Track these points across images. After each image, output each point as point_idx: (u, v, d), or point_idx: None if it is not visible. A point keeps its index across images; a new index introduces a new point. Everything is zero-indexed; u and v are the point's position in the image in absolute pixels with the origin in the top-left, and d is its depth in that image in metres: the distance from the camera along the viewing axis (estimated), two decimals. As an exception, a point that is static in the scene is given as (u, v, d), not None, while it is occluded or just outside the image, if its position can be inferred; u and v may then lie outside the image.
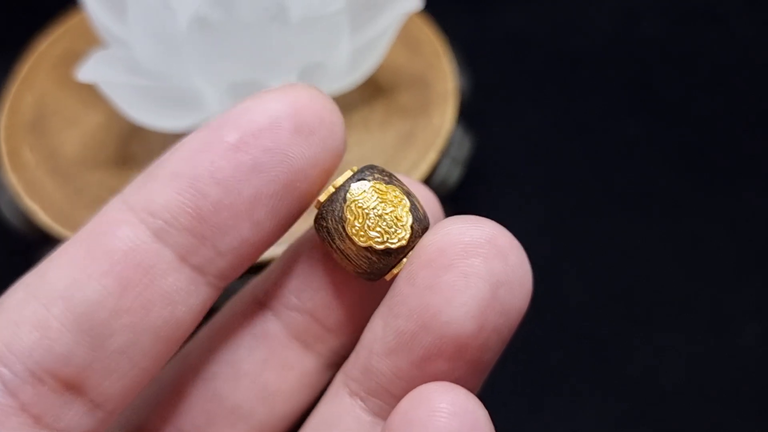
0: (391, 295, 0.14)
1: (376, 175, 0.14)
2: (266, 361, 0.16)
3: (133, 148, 0.24)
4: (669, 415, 0.26)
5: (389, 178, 0.14)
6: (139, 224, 0.13)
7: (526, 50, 0.37)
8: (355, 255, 0.14)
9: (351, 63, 0.23)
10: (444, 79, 0.25)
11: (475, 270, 0.13)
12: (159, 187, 0.13)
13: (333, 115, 0.14)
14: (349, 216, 0.14)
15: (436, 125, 0.24)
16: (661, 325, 0.28)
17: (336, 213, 0.14)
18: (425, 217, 0.14)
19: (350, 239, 0.14)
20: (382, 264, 0.14)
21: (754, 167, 0.33)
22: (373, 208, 0.14)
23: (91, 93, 0.25)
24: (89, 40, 0.27)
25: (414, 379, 0.14)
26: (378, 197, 0.14)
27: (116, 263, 0.13)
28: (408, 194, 0.14)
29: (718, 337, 0.28)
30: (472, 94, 0.28)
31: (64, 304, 0.13)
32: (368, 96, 0.25)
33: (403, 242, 0.14)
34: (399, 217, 0.14)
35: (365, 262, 0.14)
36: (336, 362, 0.16)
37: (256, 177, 0.13)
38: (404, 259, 0.14)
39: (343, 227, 0.14)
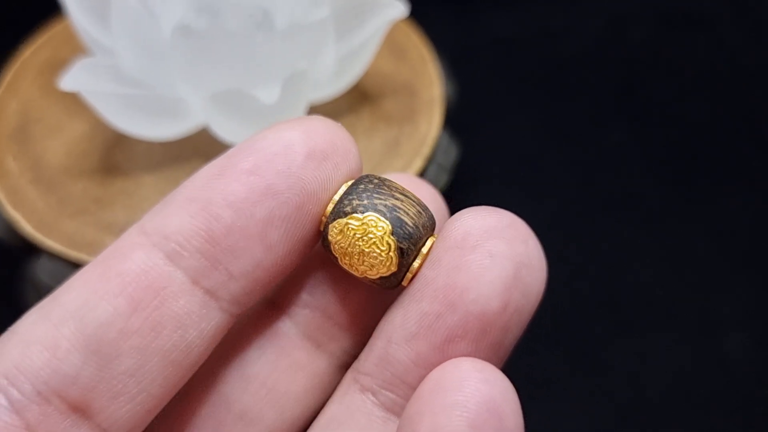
0: (411, 285, 0.14)
1: (367, 186, 0.14)
2: (276, 362, 0.16)
3: (117, 156, 0.24)
4: (654, 421, 0.27)
5: (378, 187, 0.14)
6: (152, 247, 0.14)
7: (512, 56, 0.37)
8: (361, 278, 0.15)
9: (336, 70, 0.23)
10: (430, 85, 0.25)
11: (500, 250, 0.14)
12: (174, 211, 0.14)
13: (347, 142, 0.14)
14: (338, 255, 0.14)
15: (422, 132, 0.24)
16: (646, 331, 0.28)
17: (328, 251, 0.14)
18: (418, 224, 0.14)
19: (347, 271, 0.14)
20: (389, 282, 0.14)
21: (741, 172, 0.33)
22: (353, 247, 0.14)
23: (75, 101, 0.25)
24: (74, 48, 0.26)
25: (434, 364, 0.14)
26: (355, 233, 0.14)
27: (127, 285, 0.13)
28: (393, 210, 0.14)
29: (703, 343, 0.28)
30: (458, 100, 0.28)
31: (74, 325, 0.13)
32: (354, 103, 0.25)
33: (393, 269, 0.14)
34: (379, 249, 0.14)
35: (372, 283, 0.15)
36: (347, 362, 0.16)
37: (269, 199, 0.14)
38: (415, 264, 0.14)
39: (339, 263, 0.14)
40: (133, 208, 0.23)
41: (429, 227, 0.14)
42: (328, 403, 0.16)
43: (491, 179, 0.32)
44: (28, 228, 0.22)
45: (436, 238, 0.14)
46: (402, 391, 0.14)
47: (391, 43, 0.27)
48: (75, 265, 0.22)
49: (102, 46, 0.22)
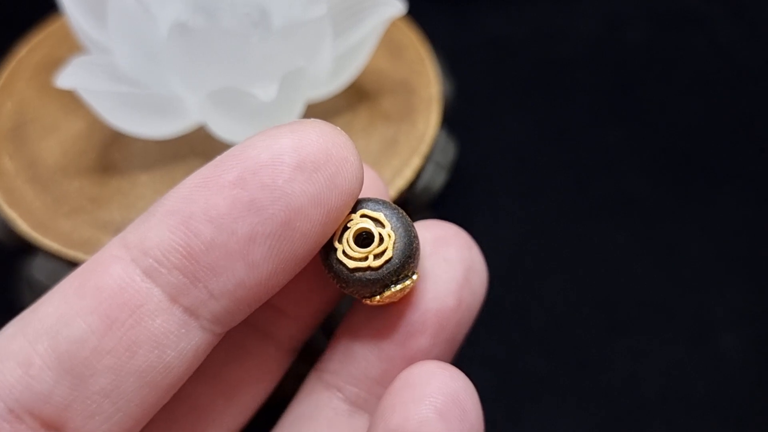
0: None
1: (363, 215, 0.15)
2: (224, 352, 0.16)
3: (114, 155, 0.24)
4: (648, 423, 0.26)
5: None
6: (131, 262, 0.13)
7: (509, 55, 0.37)
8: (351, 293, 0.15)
9: (334, 69, 0.23)
10: (428, 84, 0.25)
11: (452, 256, 0.16)
12: (154, 224, 0.13)
13: (344, 151, 0.13)
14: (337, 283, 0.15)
15: (420, 130, 0.24)
16: (640, 332, 0.28)
17: (335, 276, 0.15)
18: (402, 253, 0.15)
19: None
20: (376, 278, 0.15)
21: (737, 173, 0.33)
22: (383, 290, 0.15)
23: (71, 100, 0.25)
24: (70, 47, 0.26)
25: (395, 359, 0.15)
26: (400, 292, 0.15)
27: (102, 301, 0.13)
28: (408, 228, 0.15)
29: (697, 344, 0.28)
30: (456, 99, 0.28)
31: (48, 341, 0.13)
32: (351, 102, 0.25)
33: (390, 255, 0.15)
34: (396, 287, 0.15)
35: (357, 293, 0.15)
36: (295, 347, 0.17)
37: (252, 215, 0.13)
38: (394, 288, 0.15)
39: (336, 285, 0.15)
40: (130, 207, 0.23)
41: (414, 262, 0.15)
42: (293, 402, 0.16)
43: (488, 178, 0.32)
44: (24, 227, 0.22)
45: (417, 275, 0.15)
46: (366, 386, 0.16)
47: (388, 41, 0.27)
48: (71, 264, 0.22)
49: (98, 45, 0.22)
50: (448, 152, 0.26)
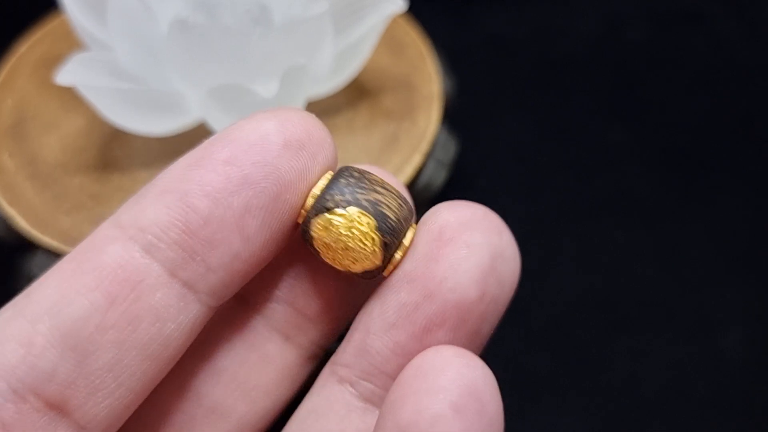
0: (389, 277, 0.14)
1: (349, 180, 0.14)
2: (246, 356, 0.16)
3: (115, 152, 0.24)
4: (649, 422, 0.26)
5: (360, 181, 0.14)
6: (128, 240, 0.13)
7: (510, 53, 0.37)
8: (343, 271, 0.15)
9: (334, 66, 0.23)
10: (428, 81, 0.25)
11: (476, 241, 0.14)
12: (149, 203, 0.14)
13: (322, 132, 0.14)
14: (320, 249, 0.14)
15: (420, 128, 0.24)
16: (641, 331, 0.28)
17: (309, 244, 0.14)
18: (400, 217, 0.14)
19: (330, 265, 0.14)
20: (372, 275, 0.14)
21: (738, 172, 0.33)
22: (337, 243, 0.14)
23: (71, 97, 0.24)
24: (70, 43, 0.26)
25: (412, 354, 0.14)
26: (339, 228, 0.14)
27: (104, 279, 0.13)
28: (376, 204, 0.14)
29: (700, 342, 0.28)
30: (456, 96, 0.28)
31: (50, 321, 0.13)
32: (352, 99, 0.25)
33: (378, 262, 0.14)
34: (364, 244, 0.14)
35: (353, 275, 0.15)
36: (316, 354, 0.16)
37: (246, 189, 0.13)
38: (397, 255, 0.14)
39: (321, 256, 0.14)
40: (130, 204, 0.23)
41: (409, 219, 0.14)
42: (306, 396, 0.16)
43: (489, 176, 0.32)
44: (24, 224, 0.22)
45: (415, 228, 0.15)
46: (380, 381, 0.15)
47: (389, 38, 0.26)
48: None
49: (98, 41, 0.22)
50: (449, 150, 0.26)
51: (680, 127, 0.34)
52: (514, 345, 0.28)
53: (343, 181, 0.14)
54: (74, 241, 0.22)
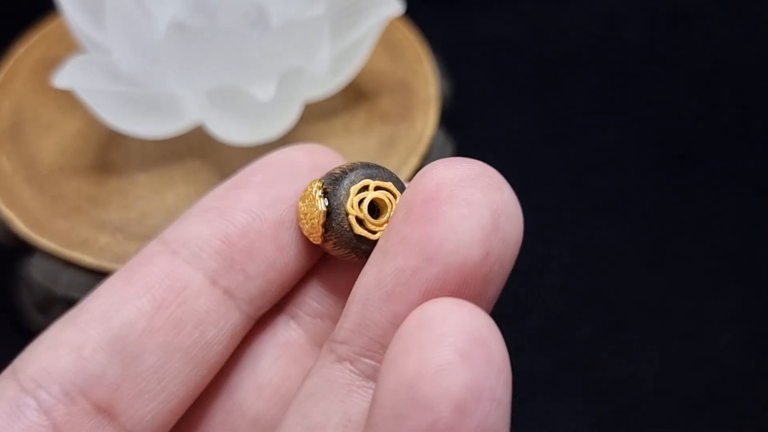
0: (383, 242, 0.14)
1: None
2: (288, 370, 0.16)
3: (112, 155, 0.24)
4: (645, 422, 0.26)
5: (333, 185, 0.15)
6: (173, 253, 0.15)
7: (507, 54, 0.37)
8: (328, 251, 0.15)
9: (332, 68, 0.23)
10: (426, 83, 0.25)
11: (477, 198, 0.13)
12: (192, 221, 0.15)
13: (342, 160, 0.16)
14: (306, 234, 0.15)
15: (417, 130, 0.24)
16: (637, 331, 0.28)
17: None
18: (345, 168, 0.15)
19: (322, 249, 0.15)
20: (337, 233, 0.15)
21: (734, 172, 0.33)
22: (301, 214, 0.15)
23: (69, 99, 0.24)
24: (68, 46, 0.26)
25: None
26: (301, 203, 0.15)
27: (151, 286, 0.14)
28: (329, 172, 0.15)
29: (694, 343, 0.28)
30: (453, 98, 0.28)
31: (100, 327, 0.14)
32: (350, 101, 0.25)
33: (322, 208, 0.14)
34: (313, 201, 0.15)
35: (336, 252, 0.15)
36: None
37: (280, 204, 0.15)
38: (352, 188, 0.15)
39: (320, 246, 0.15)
40: (127, 206, 0.23)
41: (364, 173, 0.14)
42: (305, 379, 0.15)
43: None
44: (21, 227, 0.22)
45: (393, 191, 0.15)
46: (381, 357, 0.14)
47: (386, 41, 0.27)
48: (69, 264, 0.22)
49: (96, 44, 0.22)
50: (446, 152, 0.26)
51: (677, 127, 0.34)
52: (510, 344, 0.28)
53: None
54: (71, 243, 0.22)
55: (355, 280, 0.15)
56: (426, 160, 0.25)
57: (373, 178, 0.15)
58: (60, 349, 0.14)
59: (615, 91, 0.35)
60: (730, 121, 0.34)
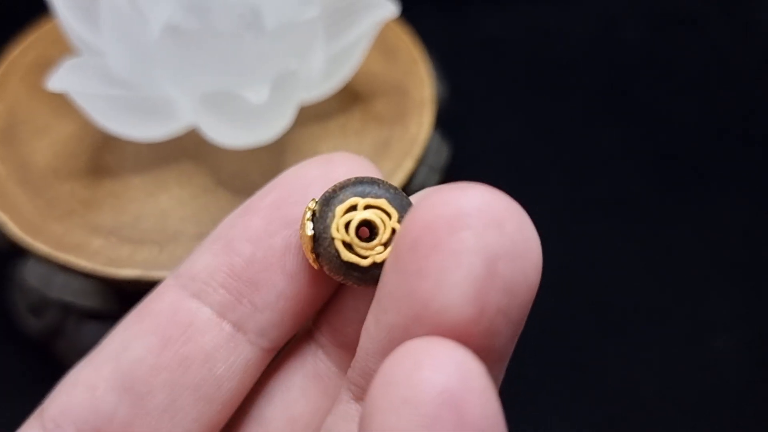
0: (380, 286, 0.13)
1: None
2: (319, 404, 0.16)
3: (106, 158, 0.24)
4: (644, 425, 0.26)
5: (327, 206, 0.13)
6: (181, 288, 0.14)
7: (503, 56, 0.37)
8: (329, 274, 0.14)
9: (326, 71, 0.23)
10: (421, 86, 0.25)
11: (465, 245, 0.11)
12: (201, 253, 0.15)
13: (367, 170, 0.15)
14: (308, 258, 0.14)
15: (413, 133, 0.24)
16: (634, 334, 0.28)
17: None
18: (336, 187, 0.13)
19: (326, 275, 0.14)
20: (329, 257, 0.13)
21: (731, 174, 0.33)
22: (301, 236, 0.14)
23: (63, 102, 0.24)
24: (61, 48, 0.26)
25: None
26: (299, 227, 0.14)
27: (158, 324, 0.14)
28: (326, 191, 0.13)
29: (693, 346, 0.28)
30: (449, 101, 0.28)
31: (112, 365, 0.14)
32: (345, 104, 0.25)
33: (309, 233, 0.13)
34: (304, 224, 0.13)
35: (333, 274, 0.14)
36: None
37: (285, 229, 0.14)
38: (337, 208, 0.13)
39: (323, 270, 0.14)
40: (122, 209, 0.22)
41: (353, 191, 0.13)
42: (328, 415, 0.15)
43: (482, 179, 0.32)
44: (15, 230, 0.22)
45: (385, 209, 0.13)
46: None
47: (381, 43, 0.26)
48: (62, 267, 0.22)
49: (90, 46, 0.22)
50: (442, 155, 0.26)
51: (675, 128, 0.34)
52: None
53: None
54: (65, 247, 0.22)
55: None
56: (421, 163, 0.24)
57: (363, 195, 0.13)
58: (76, 389, 0.14)
59: (613, 92, 0.35)
60: (729, 122, 0.34)
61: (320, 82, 0.23)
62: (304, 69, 0.22)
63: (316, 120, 0.24)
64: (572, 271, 0.30)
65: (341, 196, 0.13)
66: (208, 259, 0.14)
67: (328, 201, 0.13)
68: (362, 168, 0.14)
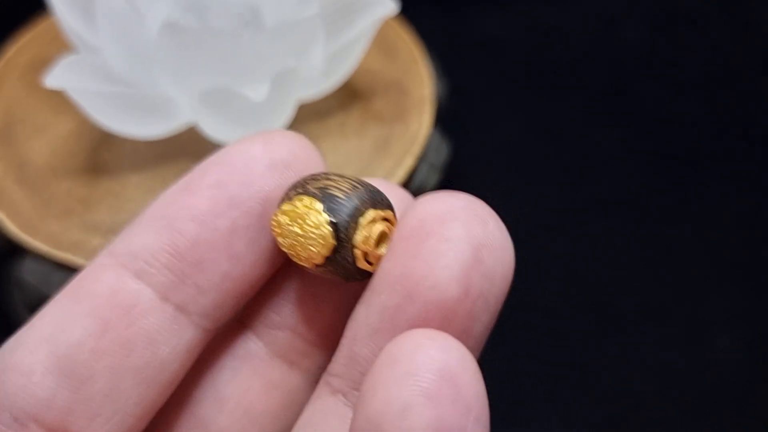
0: (372, 279, 0.14)
1: (291, 194, 0.14)
2: (250, 383, 0.16)
3: (104, 156, 0.24)
4: (644, 425, 0.26)
5: (314, 176, 0.14)
6: (121, 267, 0.14)
7: (503, 55, 0.37)
8: (317, 273, 0.14)
9: (326, 69, 0.23)
10: (421, 84, 0.25)
11: (456, 233, 0.13)
12: (139, 230, 0.14)
13: (309, 151, 0.15)
14: (286, 250, 0.14)
15: (413, 131, 0.24)
16: (634, 333, 0.28)
17: (281, 247, 0.14)
18: (352, 196, 0.14)
19: (300, 265, 0.14)
20: (341, 267, 0.14)
21: (731, 174, 0.33)
22: (291, 235, 0.14)
23: (60, 100, 0.24)
24: (59, 46, 0.26)
25: None
26: (289, 220, 0.14)
27: (97, 305, 0.13)
28: (324, 189, 0.14)
29: (692, 345, 0.28)
30: (449, 99, 0.28)
31: (47, 348, 0.13)
32: (344, 102, 0.25)
33: (332, 242, 0.13)
34: (312, 225, 0.13)
35: (330, 275, 0.14)
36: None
37: (232, 210, 0.14)
38: (358, 236, 0.14)
39: (291, 258, 0.14)
40: (120, 208, 0.22)
41: (370, 201, 0.14)
42: (303, 410, 0.15)
43: (482, 178, 0.32)
44: (12, 228, 0.22)
45: (387, 214, 0.14)
46: None
47: (381, 41, 0.26)
48: (60, 266, 0.22)
49: (88, 44, 0.22)
50: (441, 153, 0.26)
51: (675, 128, 0.34)
52: (506, 347, 0.28)
53: (299, 181, 0.14)
54: (63, 245, 0.22)
55: (316, 289, 0.15)
56: (421, 161, 0.24)
57: (375, 206, 0.14)
58: (9, 374, 0.13)
59: (612, 92, 0.35)
60: (729, 122, 0.34)
61: (319, 80, 0.23)
62: (303, 67, 0.22)
63: (316, 118, 0.24)
64: (572, 271, 0.30)
65: (357, 204, 0.14)
66: (150, 238, 0.14)
67: (343, 207, 0.14)
68: (302, 148, 0.15)
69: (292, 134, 0.15)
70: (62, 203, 0.23)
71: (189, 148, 0.24)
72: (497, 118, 0.34)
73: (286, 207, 0.14)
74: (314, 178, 0.14)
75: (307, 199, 0.14)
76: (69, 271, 0.22)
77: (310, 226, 0.13)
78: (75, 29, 0.22)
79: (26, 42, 0.27)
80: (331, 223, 0.13)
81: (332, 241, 0.13)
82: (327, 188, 0.14)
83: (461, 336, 0.13)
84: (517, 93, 0.35)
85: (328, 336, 0.16)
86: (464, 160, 0.31)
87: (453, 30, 0.37)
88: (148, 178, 0.23)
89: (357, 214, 0.14)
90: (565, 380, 0.27)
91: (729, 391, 0.27)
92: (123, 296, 0.14)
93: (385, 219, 0.14)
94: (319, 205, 0.13)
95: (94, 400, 0.13)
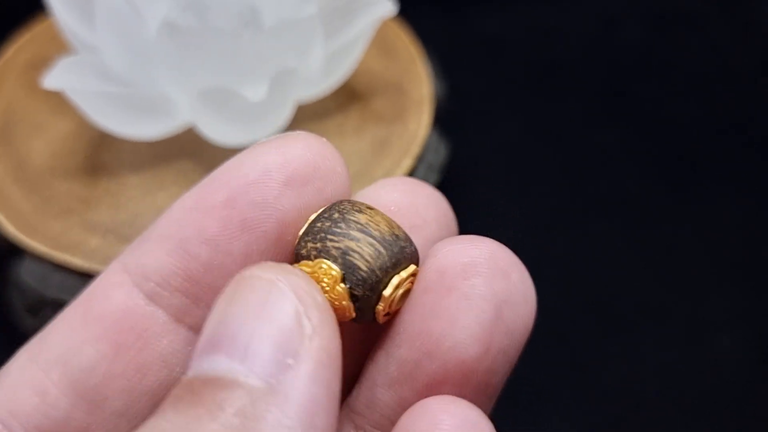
0: (393, 324, 0.14)
1: (310, 248, 0.13)
2: None
3: (103, 156, 0.24)
4: (644, 425, 0.26)
5: (336, 224, 0.13)
6: (133, 287, 0.13)
7: (502, 55, 0.37)
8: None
9: (325, 69, 0.23)
10: (420, 84, 0.25)
11: (477, 291, 0.13)
12: (151, 248, 0.13)
13: (330, 162, 0.14)
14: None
15: (411, 131, 0.24)
16: (634, 333, 0.28)
17: None
18: (374, 267, 0.13)
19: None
20: (362, 321, 0.14)
21: (731, 174, 0.33)
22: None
23: (60, 100, 0.24)
24: (58, 46, 0.26)
25: None
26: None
27: (109, 328, 0.13)
28: (346, 254, 0.13)
29: (693, 346, 0.28)
30: (448, 99, 0.28)
31: (60, 369, 0.13)
32: (343, 102, 0.25)
33: (352, 314, 0.13)
34: (334, 297, 0.13)
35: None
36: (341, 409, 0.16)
37: (246, 234, 0.13)
38: (379, 307, 0.13)
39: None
40: (119, 208, 0.22)
41: (393, 266, 0.13)
42: None
43: (481, 179, 0.32)
44: (11, 229, 0.22)
45: (411, 270, 0.14)
46: (390, 430, 0.14)
47: (380, 41, 0.26)
48: (59, 267, 0.22)
49: (86, 44, 0.22)
50: (440, 153, 0.26)
51: (674, 127, 0.34)
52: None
53: (319, 225, 0.13)
54: (62, 245, 0.22)
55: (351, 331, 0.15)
56: (419, 161, 0.24)
57: (398, 266, 0.13)
58: (24, 391, 0.13)
59: (611, 92, 0.35)
60: (729, 122, 0.34)
61: (318, 80, 0.23)
62: (302, 67, 0.22)
63: (315, 118, 0.24)
64: (572, 271, 0.30)
65: (383, 279, 0.13)
66: (162, 259, 0.13)
67: (372, 286, 0.13)
68: (323, 158, 0.13)
69: (310, 139, 0.14)
70: (61, 203, 0.23)
71: (188, 148, 0.24)
72: (496, 119, 0.34)
73: (305, 268, 0.13)
74: (336, 228, 0.13)
75: (326, 266, 0.13)
76: (68, 272, 0.22)
77: (331, 294, 0.13)
78: (73, 29, 0.22)
79: (25, 42, 0.27)
80: (353, 296, 0.13)
81: (352, 314, 0.13)
82: (348, 253, 0.13)
83: (481, 389, 0.13)
84: (516, 93, 0.35)
85: (347, 370, 0.15)
86: (463, 160, 0.31)
87: (452, 30, 0.37)
88: (147, 178, 0.23)
89: (380, 288, 0.13)
90: (565, 380, 0.27)
91: (729, 391, 0.27)
92: (136, 319, 0.13)
93: (411, 275, 0.13)
94: (339, 275, 0.13)
95: (109, 419, 0.13)
